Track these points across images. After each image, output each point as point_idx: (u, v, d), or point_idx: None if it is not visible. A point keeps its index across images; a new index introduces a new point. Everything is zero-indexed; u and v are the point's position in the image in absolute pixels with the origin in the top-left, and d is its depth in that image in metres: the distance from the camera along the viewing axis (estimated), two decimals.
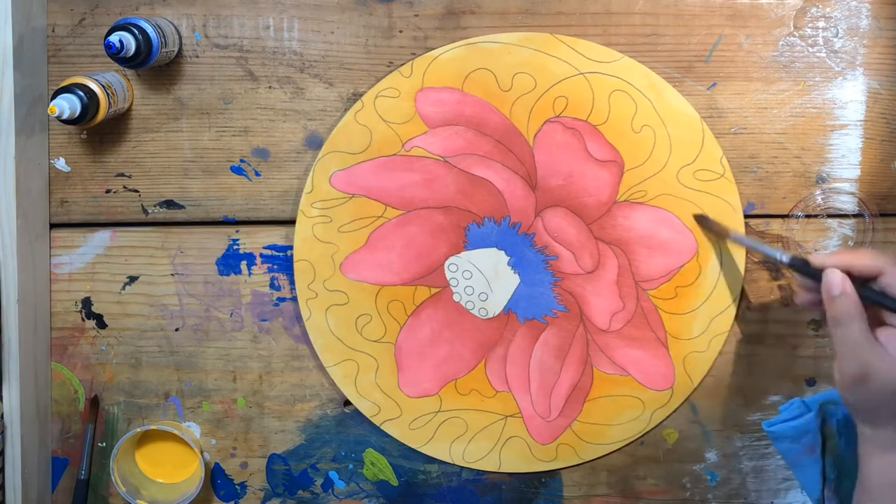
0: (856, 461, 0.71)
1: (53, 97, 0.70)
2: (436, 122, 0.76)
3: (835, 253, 0.66)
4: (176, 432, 0.78)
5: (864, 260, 0.64)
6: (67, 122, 0.70)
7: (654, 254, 0.77)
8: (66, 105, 0.70)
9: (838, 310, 0.63)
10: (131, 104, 0.77)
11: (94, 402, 0.80)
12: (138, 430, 0.78)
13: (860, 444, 0.65)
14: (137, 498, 0.78)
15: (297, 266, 0.78)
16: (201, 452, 0.79)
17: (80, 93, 0.70)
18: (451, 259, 0.78)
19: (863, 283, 0.64)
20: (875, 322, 0.64)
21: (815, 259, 0.66)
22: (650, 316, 0.78)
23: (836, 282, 0.63)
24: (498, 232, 0.78)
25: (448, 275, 0.78)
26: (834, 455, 0.78)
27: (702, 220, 0.76)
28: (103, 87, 0.72)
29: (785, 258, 0.68)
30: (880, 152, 0.78)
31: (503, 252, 0.78)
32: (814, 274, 0.66)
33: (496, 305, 0.78)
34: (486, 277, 0.78)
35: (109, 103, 0.73)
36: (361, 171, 0.77)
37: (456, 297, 0.78)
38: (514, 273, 0.78)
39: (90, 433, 0.80)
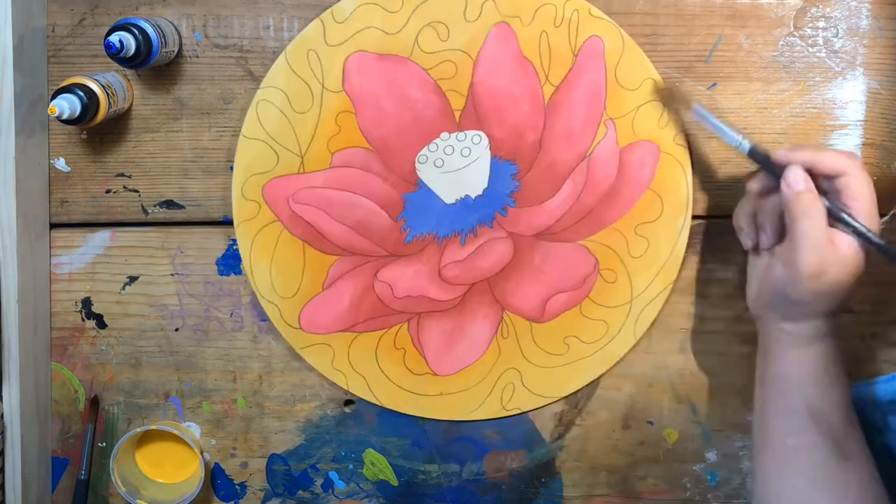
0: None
1: (53, 97, 0.70)
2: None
3: (797, 148, 0.68)
4: (176, 432, 0.78)
5: (828, 159, 0.66)
6: (67, 122, 0.70)
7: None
8: (66, 105, 0.70)
9: (803, 205, 0.65)
10: (131, 104, 0.77)
11: (95, 403, 0.80)
12: (138, 430, 0.78)
13: (774, 341, 0.69)
14: (137, 498, 0.78)
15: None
16: (201, 452, 0.79)
17: (80, 93, 0.70)
18: (450, 136, 0.76)
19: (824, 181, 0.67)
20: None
21: (779, 154, 0.67)
22: None
23: (800, 178, 0.66)
24: (498, 169, 0.77)
25: (445, 137, 0.76)
26: None
27: (666, 93, 0.75)
28: (103, 87, 0.72)
29: (746, 146, 0.69)
30: (880, 152, 0.78)
31: (485, 183, 0.77)
32: (774, 169, 0.67)
33: (440, 185, 0.76)
34: (459, 170, 0.76)
35: (109, 103, 0.73)
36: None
37: (424, 155, 0.76)
38: (472, 202, 0.77)
39: (90, 433, 0.80)
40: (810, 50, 0.77)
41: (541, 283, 0.78)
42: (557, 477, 0.82)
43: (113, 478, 0.78)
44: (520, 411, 0.80)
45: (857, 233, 0.65)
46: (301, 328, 0.78)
